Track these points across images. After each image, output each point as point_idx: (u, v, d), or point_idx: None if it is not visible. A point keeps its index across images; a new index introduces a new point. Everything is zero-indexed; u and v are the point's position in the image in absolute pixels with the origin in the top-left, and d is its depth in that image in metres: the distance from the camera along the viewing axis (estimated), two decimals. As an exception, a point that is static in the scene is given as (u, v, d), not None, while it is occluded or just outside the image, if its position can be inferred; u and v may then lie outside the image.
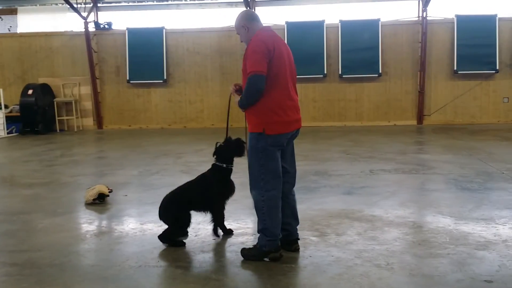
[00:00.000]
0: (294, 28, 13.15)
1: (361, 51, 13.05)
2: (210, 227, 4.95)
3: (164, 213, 4.55)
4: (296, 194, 5.79)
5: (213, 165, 4.74)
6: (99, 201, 5.92)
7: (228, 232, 4.75)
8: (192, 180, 4.79)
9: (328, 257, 4.08)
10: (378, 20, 13.04)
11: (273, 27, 13.82)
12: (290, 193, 4.28)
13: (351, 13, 13.49)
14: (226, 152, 4.77)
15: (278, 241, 4.04)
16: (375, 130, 12.25)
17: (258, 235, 4.10)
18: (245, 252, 4.15)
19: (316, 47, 13.08)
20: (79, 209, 5.83)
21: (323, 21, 13.14)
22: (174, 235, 4.49)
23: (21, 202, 6.17)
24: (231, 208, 5.55)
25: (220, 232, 4.73)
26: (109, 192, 6.12)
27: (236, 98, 4.22)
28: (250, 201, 5.89)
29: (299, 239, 4.30)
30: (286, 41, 13.08)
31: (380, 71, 13.07)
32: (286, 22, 13.18)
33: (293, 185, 4.31)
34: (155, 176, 7.48)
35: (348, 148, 9.63)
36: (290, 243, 4.24)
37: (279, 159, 4.11)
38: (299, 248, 4.24)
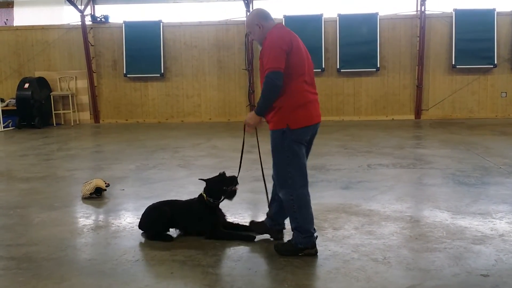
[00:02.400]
0: (292, 21, 13.10)
1: (359, 45, 13.02)
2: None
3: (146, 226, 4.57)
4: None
5: (200, 195, 4.64)
6: (96, 195, 5.91)
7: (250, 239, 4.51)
8: (182, 202, 4.74)
9: (325, 251, 4.08)
10: (377, 14, 13.01)
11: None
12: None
13: (349, 7, 13.45)
14: (216, 188, 4.62)
15: (314, 238, 4.01)
16: (373, 125, 12.25)
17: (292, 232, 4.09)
18: (279, 247, 4.13)
19: (314, 41, 13.04)
20: (76, 203, 5.82)
21: (321, 15, 13.09)
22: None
23: (17, 196, 6.15)
24: (228, 202, 5.56)
25: None
26: (106, 186, 6.11)
27: (251, 114, 4.15)
28: (248, 196, 5.92)
29: (284, 229, 4.48)
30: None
31: (378, 66, 13.05)
32: (284, 16, 13.14)
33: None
34: (152, 171, 7.47)
35: (346, 142, 9.63)
36: (277, 231, 4.46)
37: (305, 155, 4.13)
38: (282, 237, 4.43)
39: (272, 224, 4.48)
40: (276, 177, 4.18)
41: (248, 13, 3.97)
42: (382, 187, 6.14)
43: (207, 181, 4.63)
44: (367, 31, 13.01)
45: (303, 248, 4.00)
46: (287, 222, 4.33)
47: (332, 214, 5.08)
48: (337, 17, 13.08)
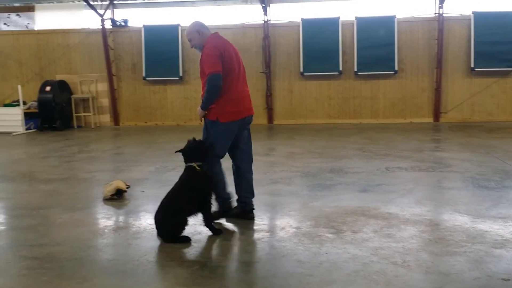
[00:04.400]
0: (310, 25, 13.12)
1: (377, 48, 12.98)
2: (228, 223, 5.02)
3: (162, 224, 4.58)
4: (311, 191, 5.84)
5: (189, 170, 4.74)
6: (117, 197, 5.99)
7: (218, 233, 4.68)
8: (176, 187, 4.76)
9: (344, 254, 4.09)
10: (394, 16, 12.96)
11: (288, 24, 13.69)
12: (248, 170, 5.17)
13: (366, 10, 13.42)
14: (201, 150, 4.84)
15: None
16: (391, 128, 12.19)
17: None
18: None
19: (331, 44, 13.04)
20: (97, 205, 5.91)
21: (338, 18, 13.09)
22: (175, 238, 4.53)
23: (40, 197, 6.27)
24: (247, 204, 5.61)
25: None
26: (127, 188, 6.19)
27: (198, 108, 4.93)
28: (266, 198, 5.96)
29: (254, 209, 5.14)
30: (301, 38, 13.14)
31: (396, 68, 13.00)
32: (302, 19, 13.15)
33: (251, 162, 5.21)
34: (171, 173, 7.53)
35: (363, 145, 9.61)
36: (247, 212, 5.10)
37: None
38: (254, 217, 5.09)
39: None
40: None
41: (189, 25, 4.96)
42: (401, 190, 6.12)
43: (187, 150, 4.80)
44: (385, 34, 12.96)
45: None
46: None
47: (350, 217, 5.09)
48: (355, 20, 13.06)
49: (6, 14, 14.61)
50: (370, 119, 13.28)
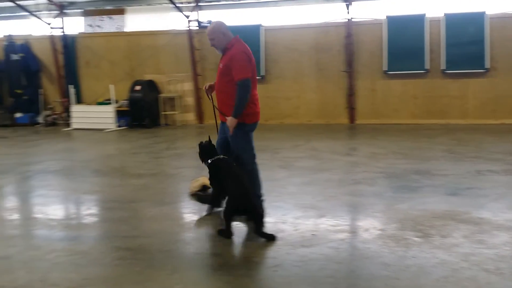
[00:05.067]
0: (394, 22, 12.77)
1: (466, 45, 12.38)
2: (309, 222, 5.03)
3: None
4: (396, 193, 5.75)
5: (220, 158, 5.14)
6: (202, 193, 6.17)
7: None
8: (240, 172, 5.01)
9: (432, 259, 3.97)
10: (484, 13, 12.30)
11: (372, 22, 13.37)
12: None
13: (454, 6, 12.85)
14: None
15: None
16: (481, 129, 11.59)
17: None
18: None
19: (417, 42, 12.61)
20: (184, 199, 6.12)
21: (424, 15, 12.64)
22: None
23: (131, 191, 6.60)
24: (328, 205, 5.59)
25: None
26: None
27: (229, 118, 5.01)
28: (347, 198, 5.90)
29: None
30: (386, 36, 12.82)
31: (487, 66, 12.34)
32: (387, 17, 12.84)
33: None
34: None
35: (451, 147, 9.21)
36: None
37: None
38: None
39: None
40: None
41: (212, 24, 5.22)
42: (493, 195, 5.83)
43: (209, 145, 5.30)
44: (474, 31, 12.33)
45: None
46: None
47: (439, 221, 4.91)
48: (443, 17, 12.55)
49: (99, 17, 15.45)
50: (458, 120, 12.69)
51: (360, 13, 13.17)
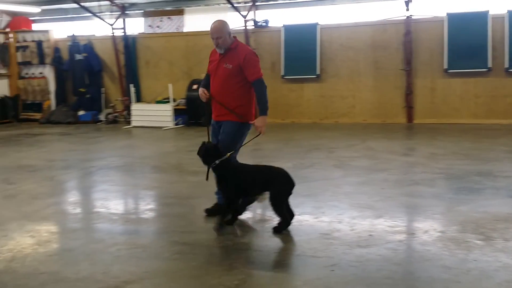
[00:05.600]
0: (456, 19, 12.37)
1: (532, 42, 11.85)
2: (365, 222, 4.97)
3: None
4: (457, 195, 5.59)
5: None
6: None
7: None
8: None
9: (495, 262, 3.85)
10: (552, 8, 11.72)
11: (432, 19, 13.03)
12: None
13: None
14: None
15: None
16: (548, 129, 11.05)
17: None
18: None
19: (479, 39, 12.16)
20: (240, 197, 6.18)
21: (487, 12, 12.17)
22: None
23: (188, 188, 6.74)
24: (385, 205, 5.50)
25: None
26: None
27: (263, 119, 5.10)
28: (405, 199, 5.78)
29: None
30: (446, 34, 12.44)
31: (555, 64, 11.75)
32: (447, 14, 12.46)
33: None
34: (308, 170, 7.63)
35: (515, 148, 8.84)
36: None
37: None
38: None
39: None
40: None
41: (218, 23, 5.06)
42: (561, 198, 5.56)
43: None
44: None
45: None
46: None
47: (502, 224, 4.74)
48: (507, 13, 12.03)
49: (158, 18, 15.84)
50: (524, 120, 12.14)
51: (420, 10, 12.85)
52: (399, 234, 4.63)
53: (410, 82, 12.84)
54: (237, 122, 5.09)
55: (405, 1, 12.59)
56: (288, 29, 13.89)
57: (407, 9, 12.65)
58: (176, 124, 13.99)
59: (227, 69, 4.99)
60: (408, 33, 12.70)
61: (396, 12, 13.00)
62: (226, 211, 4.90)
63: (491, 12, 12.15)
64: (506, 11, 12.06)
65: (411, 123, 12.87)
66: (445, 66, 12.50)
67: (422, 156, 8.39)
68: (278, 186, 4.76)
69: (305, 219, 5.14)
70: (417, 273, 3.79)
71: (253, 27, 14.28)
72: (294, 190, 6.28)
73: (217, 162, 4.83)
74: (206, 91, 5.12)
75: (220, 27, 4.98)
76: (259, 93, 5.01)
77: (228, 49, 5.01)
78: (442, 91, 12.73)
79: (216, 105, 5.13)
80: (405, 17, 12.76)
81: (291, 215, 4.83)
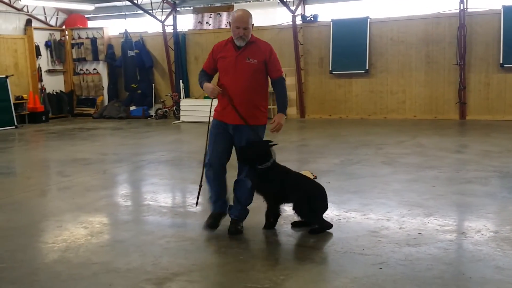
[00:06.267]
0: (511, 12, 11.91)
1: None
2: (415, 220, 4.87)
3: None
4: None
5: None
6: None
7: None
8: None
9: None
10: None
11: (488, 12, 12.56)
12: None
13: None
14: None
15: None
16: None
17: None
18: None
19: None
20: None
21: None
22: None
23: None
24: (436, 203, 5.37)
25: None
26: (314, 178, 6.37)
27: (282, 117, 4.71)
28: (457, 198, 5.62)
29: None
30: (502, 27, 11.96)
31: None
32: (503, 6, 11.98)
33: None
34: (356, 166, 7.54)
35: None
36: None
37: None
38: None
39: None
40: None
41: (245, 12, 4.63)
42: None
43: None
44: None
45: None
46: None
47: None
48: None
49: (208, 14, 16.01)
50: None
51: (474, 3, 12.42)
52: (450, 233, 4.51)
53: (464, 77, 12.45)
54: (260, 126, 4.66)
55: (459, -7, 12.21)
56: (337, 23, 13.73)
57: (461, 2, 12.26)
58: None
59: (252, 64, 4.51)
60: (462, 26, 12.31)
61: (449, 5, 12.62)
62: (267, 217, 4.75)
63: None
64: None
65: (464, 120, 12.49)
66: (501, 61, 12.04)
67: (475, 154, 8.13)
68: (318, 203, 4.67)
69: (352, 216, 5.09)
70: (468, 273, 3.68)
71: (302, 22, 14.20)
72: (341, 186, 6.30)
73: (269, 163, 4.55)
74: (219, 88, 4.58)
75: (248, 17, 4.51)
76: (283, 91, 4.71)
77: (248, 42, 4.55)
78: (497, 86, 12.27)
79: (247, 106, 4.53)
80: (459, 10, 12.37)
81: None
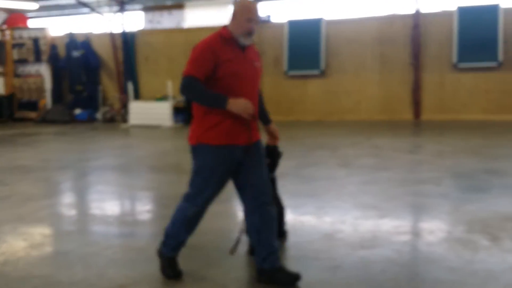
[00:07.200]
0: (466, 13, 12.16)
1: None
2: (369, 222, 4.81)
3: None
4: (464, 194, 5.39)
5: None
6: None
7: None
8: None
9: (502, 263, 3.72)
10: None
11: (442, 13, 12.69)
12: None
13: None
14: None
15: None
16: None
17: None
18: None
19: (490, 33, 11.95)
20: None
21: (497, 5, 11.95)
22: None
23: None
24: (390, 205, 5.35)
25: None
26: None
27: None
28: (411, 199, 5.62)
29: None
30: (456, 27, 12.20)
31: None
32: (458, 7, 12.24)
33: None
34: (312, 168, 7.49)
35: (526, 144, 8.66)
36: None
37: None
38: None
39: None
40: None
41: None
42: None
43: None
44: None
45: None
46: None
47: (510, 223, 4.60)
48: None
49: (158, 13, 15.70)
50: (534, 115, 11.90)
51: (429, 3, 12.64)
52: (403, 234, 4.49)
53: (418, 77, 12.65)
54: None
55: (413, -6, 12.41)
56: (293, 24, 13.72)
57: (416, 2, 12.46)
58: (176, 123, 13.82)
59: (258, 69, 3.59)
60: (416, 26, 12.50)
61: (404, 6, 12.83)
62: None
63: (502, 5, 11.94)
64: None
65: (418, 120, 12.69)
66: (454, 61, 12.30)
67: (429, 154, 8.23)
68: None
69: (307, 219, 5.02)
70: (422, 274, 3.66)
71: (256, 22, 14.12)
72: (296, 189, 6.20)
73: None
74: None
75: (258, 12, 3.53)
76: (262, 99, 3.80)
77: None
78: (451, 86, 12.52)
79: (253, 120, 3.55)
80: (414, 11, 12.56)
81: None
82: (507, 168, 6.85)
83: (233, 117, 3.39)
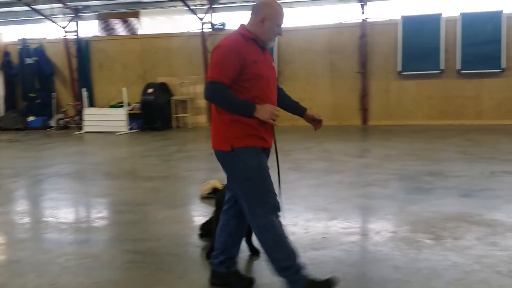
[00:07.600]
0: (410, 22, 12.67)
1: (483, 45, 12.21)
2: (320, 224, 4.98)
3: None
4: (409, 195, 5.63)
5: None
6: (213, 196, 6.15)
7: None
8: None
9: (444, 261, 3.91)
10: (501, 12, 12.15)
11: (387, 22, 13.14)
12: None
13: (471, 5, 12.73)
14: None
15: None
16: (497, 129, 11.42)
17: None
18: None
19: (432, 41, 12.50)
20: (195, 202, 6.11)
21: (440, 14, 12.52)
22: None
23: (142, 194, 6.61)
24: (340, 207, 5.54)
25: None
26: (223, 187, 6.33)
27: None
28: (359, 201, 5.84)
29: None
30: (401, 36, 12.68)
31: (503, 66, 12.17)
32: (402, 17, 12.72)
33: None
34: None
35: (466, 148, 9.09)
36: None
37: None
38: None
39: None
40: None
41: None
42: (507, 196, 5.72)
43: None
44: (491, 30, 12.19)
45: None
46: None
47: (451, 223, 4.84)
48: (459, 16, 12.40)
49: (113, 21, 15.55)
50: (473, 120, 12.53)
51: (375, 13, 13.08)
52: (352, 235, 4.65)
53: (365, 84, 13.07)
54: None
55: (361, 4, 12.81)
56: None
57: (363, 12, 12.86)
58: (131, 129, 13.75)
59: (275, 70, 3.57)
60: (364, 36, 12.92)
61: (352, 15, 13.21)
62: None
63: (444, 15, 12.50)
64: (459, 14, 12.43)
65: (366, 125, 13.10)
66: (399, 69, 12.79)
67: (376, 158, 8.52)
68: None
69: (260, 223, 5.09)
70: (369, 274, 3.81)
71: (210, 29, 14.21)
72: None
73: None
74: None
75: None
76: (285, 93, 3.87)
77: None
78: (396, 93, 13.01)
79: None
80: (361, 20, 12.97)
81: None
82: (449, 170, 7.19)
83: (261, 121, 3.36)
